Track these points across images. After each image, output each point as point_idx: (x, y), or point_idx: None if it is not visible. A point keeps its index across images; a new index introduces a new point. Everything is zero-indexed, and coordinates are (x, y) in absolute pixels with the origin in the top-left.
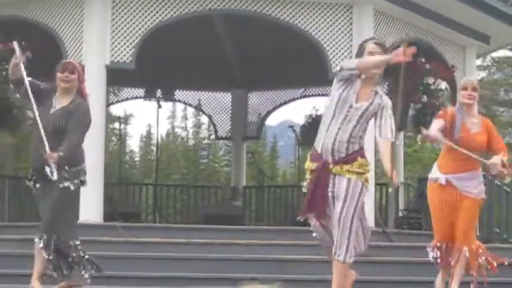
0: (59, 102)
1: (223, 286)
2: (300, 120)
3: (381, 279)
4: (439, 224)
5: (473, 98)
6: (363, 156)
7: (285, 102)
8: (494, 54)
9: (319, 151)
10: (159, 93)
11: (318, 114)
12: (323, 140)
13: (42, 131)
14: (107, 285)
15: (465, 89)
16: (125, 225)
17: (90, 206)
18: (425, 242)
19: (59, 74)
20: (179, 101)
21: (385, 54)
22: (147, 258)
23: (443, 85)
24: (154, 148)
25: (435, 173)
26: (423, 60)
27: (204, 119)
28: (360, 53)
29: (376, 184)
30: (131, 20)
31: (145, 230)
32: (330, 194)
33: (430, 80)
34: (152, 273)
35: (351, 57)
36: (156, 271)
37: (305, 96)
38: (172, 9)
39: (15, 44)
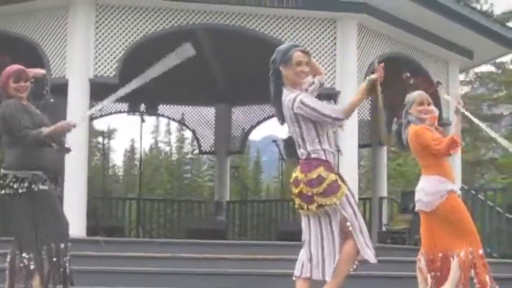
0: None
1: None
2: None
3: None
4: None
5: (428, 113)
6: None
7: (269, 117)
8: (477, 69)
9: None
10: (142, 107)
11: None
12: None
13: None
14: None
15: (422, 104)
16: (108, 240)
17: (73, 220)
18: (408, 256)
19: (15, 84)
20: (163, 115)
21: (310, 62)
22: (131, 272)
23: None
24: (137, 163)
25: (447, 184)
26: (408, 75)
27: (188, 134)
28: (284, 61)
29: (360, 198)
30: (115, 34)
31: (129, 245)
32: None
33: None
34: (135, 287)
35: (334, 71)
36: (139, 286)
37: None
38: (156, 24)
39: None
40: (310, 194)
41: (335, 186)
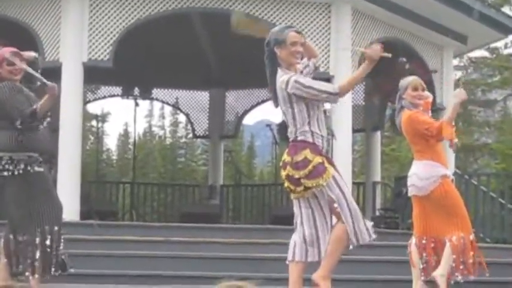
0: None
1: (201, 284)
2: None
3: (357, 278)
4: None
5: (421, 98)
6: None
7: (263, 101)
8: (471, 54)
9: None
10: (136, 91)
11: None
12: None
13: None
14: (84, 283)
15: (416, 89)
16: (101, 224)
17: (67, 204)
18: (402, 241)
19: (9, 67)
20: (157, 99)
21: (305, 43)
22: (124, 256)
23: None
24: (131, 147)
25: (440, 169)
26: (404, 60)
27: (182, 118)
28: (279, 42)
29: (353, 183)
30: (109, 18)
31: (122, 228)
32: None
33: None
34: (129, 271)
35: (329, 56)
36: (133, 269)
37: None
38: (150, 7)
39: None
40: (297, 176)
41: (321, 168)
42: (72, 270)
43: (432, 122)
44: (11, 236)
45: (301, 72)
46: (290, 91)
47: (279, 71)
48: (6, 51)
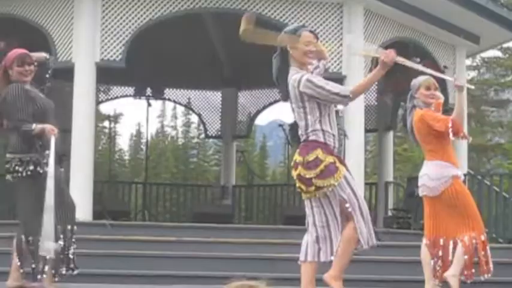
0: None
1: (213, 284)
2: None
3: (369, 278)
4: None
5: (435, 98)
6: None
7: (275, 102)
8: (484, 54)
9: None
10: (149, 91)
11: None
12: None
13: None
14: (95, 283)
15: (429, 88)
16: (114, 224)
17: (79, 204)
18: (413, 241)
19: (20, 68)
20: (169, 99)
21: (318, 42)
22: (136, 256)
23: None
24: (144, 147)
25: (451, 169)
26: (418, 59)
27: (194, 118)
28: (292, 41)
29: (366, 183)
30: (121, 18)
31: (135, 228)
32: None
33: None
34: (141, 271)
35: (341, 56)
36: (145, 269)
37: None
38: (162, 8)
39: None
40: (308, 176)
41: (332, 168)
42: (75, 272)
43: (445, 117)
44: (23, 237)
45: (311, 72)
46: (302, 90)
47: (291, 70)
48: (17, 53)
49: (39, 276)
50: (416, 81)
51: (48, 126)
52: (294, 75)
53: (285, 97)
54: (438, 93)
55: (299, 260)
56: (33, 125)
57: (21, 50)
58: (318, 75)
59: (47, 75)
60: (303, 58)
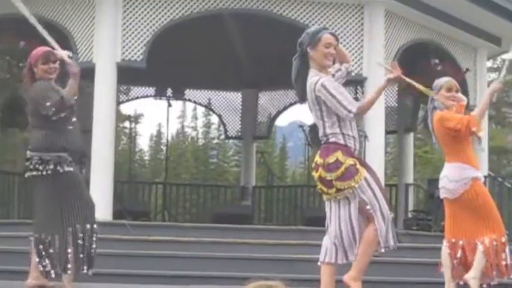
0: None
1: (232, 285)
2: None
3: (389, 280)
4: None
5: (456, 99)
6: None
7: (295, 102)
8: (505, 56)
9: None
10: (169, 92)
11: None
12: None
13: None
14: (115, 283)
15: (450, 90)
16: (134, 224)
17: (99, 204)
18: (434, 243)
19: (44, 66)
20: (189, 100)
21: (338, 45)
22: (156, 256)
23: None
24: (164, 147)
25: (471, 171)
26: (437, 61)
27: (214, 119)
28: (313, 43)
29: (386, 185)
30: (142, 18)
31: (155, 229)
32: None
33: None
34: (161, 271)
35: (362, 57)
36: (165, 269)
37: None
38: (183, 8)
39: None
40: (328, 178)
41: (353, 170)
42: (90, 273)
43: (462, 116)
44: (42, 236)
45: (333, 75)
46: (317, 93)
47: (310, 72)
48: (41, 51)
49: (60, 274)
50: (438, 82)
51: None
52: (312, 78)
53: (302, 99)
54: (460, 95)
55: (319, 261)
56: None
57: (45, 48)
58: (340, 78)
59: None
60: (323, 60)
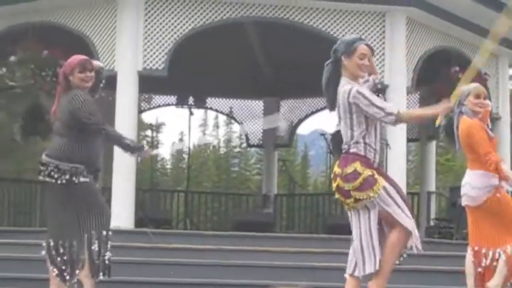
0: None
1: None
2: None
3: None
4: None
5: (484, 106)
6: None
7: (317, 111)
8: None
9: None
10: (191, 100)
11: None
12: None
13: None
14: None
15: (478, 97)
16: (155, 232)
17: (121, 212)
18: (456, 251)
19: (81, 74)
20: (211, 108)
21: (372, 56)
22: (178, 264)
23: None
24: (185, 156)
25: (495, 179)
26: (457, 69)
27: (236, 128)
28: (348, 52)
29: (408, 193)
30: (164, 27)
31: (176, 237)
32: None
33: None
34: (182, 279)
35: (383, 65)
36: (187, 277)
37: None
38: (205, 16)
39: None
40: (346, 188)
41: (371, 180)
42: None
43: (490, 152)
44: (60, 242)
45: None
46: (351, 100)
47: (342, 80)
48: (77, 59)
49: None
50: (466, 88)
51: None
52: (346, 86)
53: (332, 106)
54: (487, 102)
55: (346, 273)
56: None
57: (82, 56)
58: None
59: (101, 85)
60: (356, 71)
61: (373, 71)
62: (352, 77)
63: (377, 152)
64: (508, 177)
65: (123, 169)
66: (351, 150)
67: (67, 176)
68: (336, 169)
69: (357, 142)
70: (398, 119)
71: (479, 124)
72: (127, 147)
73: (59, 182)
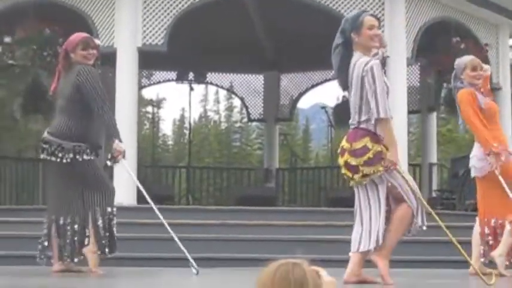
0: None
1: (257, 266)
2: (332, 103)
3: (415, 259)
4: None
5: (480, 78)
6: None
7: (317, 84)
8: None
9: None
10: (191, 76)
11: None
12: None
13: None
14: (141, 267)
15: (475, 69)
16: (158, 207)
17: (124, 189)
18: (458, 221)
19: (84, 52)
20: (211, 83)
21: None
22: (181, 239)
23: None
24: (187, 132)
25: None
26: (458, 39)
27: (236, 102)
28: (356, 28)
29: (409, 165)
30: (163, 2)
31: (179, 212)
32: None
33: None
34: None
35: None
36: (191, 252)
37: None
38: None
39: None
40: (354, 163)
41: (380, 156)
42: (109, 255)
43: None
44: (61, 218)
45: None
46: (363, 74)
47: (355, 55)
48: (80, 36)
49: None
50: (461, 62)
51: (120, 148)
52: (362, 58)
53: (345, 86)
54: (484, 73)
55: (350, 252)
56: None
57: (84, 34)
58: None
59: (98, 63)
60: (369, 42)
61: (382, 41)
62: (365, 51)
63: None
64: (484, 144)
65: (125, 145)
66: (361, 126)
67: (71, 155)
68: (344, 144)
69: (367, 119)
70: (379, 123)
71: (468, 92)
72: (109, 137)
73: (64, 161)
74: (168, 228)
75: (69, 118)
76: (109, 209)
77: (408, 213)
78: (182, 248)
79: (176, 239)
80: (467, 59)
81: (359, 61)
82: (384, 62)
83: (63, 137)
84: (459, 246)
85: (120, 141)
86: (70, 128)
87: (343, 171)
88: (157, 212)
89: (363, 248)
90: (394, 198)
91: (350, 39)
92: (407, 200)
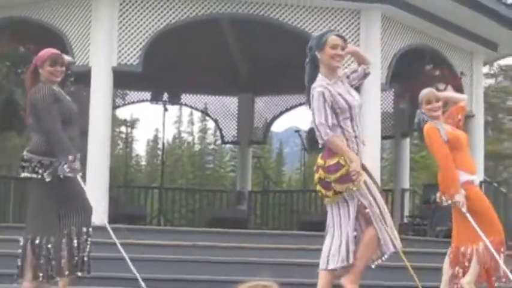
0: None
1: None
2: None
3: (385, 284)
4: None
5: (438, 109)
6: None
7: (292, 107)
8: (502, 62)
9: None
10: (165, 96)
11: None
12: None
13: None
14: (110, 287)
15: (429, 102)
16: (129, 228)
17: (95, 208)
18: (429, 248)
19: (51, 68)
20: (186, 104)
21: (346, 47)
22: (152, 260)
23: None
24: (160, 152)
25: (463, 176)
26: (431, 66)
27: (210, 124)
28: (320, 46)
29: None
30: (139, 23)
31: (150, 233)
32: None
33: (441, 86)
34: (157, 275)
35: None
36: (161, 273)
37: None
38: (180, 12)
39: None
40: (327, 180)
41: (353, 173)
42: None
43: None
44: (37, 238)
45: (348, 77)
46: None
47: (319, 74)
48: (49, 52)
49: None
50: (420, 96)
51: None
52: (318, 81)
53: (310, 104)
54: (439, 104)
55: (319, 269)
56: (70, 155)
57: (54, 50)
58: (356, 79)
59: (71, 80)
60: (330, 62)
61: (362, 60)
62: (329, 71)
63: (358, 138)
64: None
65: (97, 165)
66: None
67: (51, 170)
68: (319, 161)
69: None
70: (327, 145)
71: (430, 128)
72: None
73: (45, 176)
74: (120, 247)
75: (41, 134)
76: (84, 229)
77: (374, 237)
78: (132, 268)
79: (127, 258)
80: (423, 93)
81: (314, 83)
82: (364, 79)
83: (41, 153)
84: (412, 271)
85: (66, 163)
86: (44, 144)
87: (318, 188)
88: (110, 230)
89: (331, 265)
90: (363, 217)
91: (316, 58)
92: (374, 222)
